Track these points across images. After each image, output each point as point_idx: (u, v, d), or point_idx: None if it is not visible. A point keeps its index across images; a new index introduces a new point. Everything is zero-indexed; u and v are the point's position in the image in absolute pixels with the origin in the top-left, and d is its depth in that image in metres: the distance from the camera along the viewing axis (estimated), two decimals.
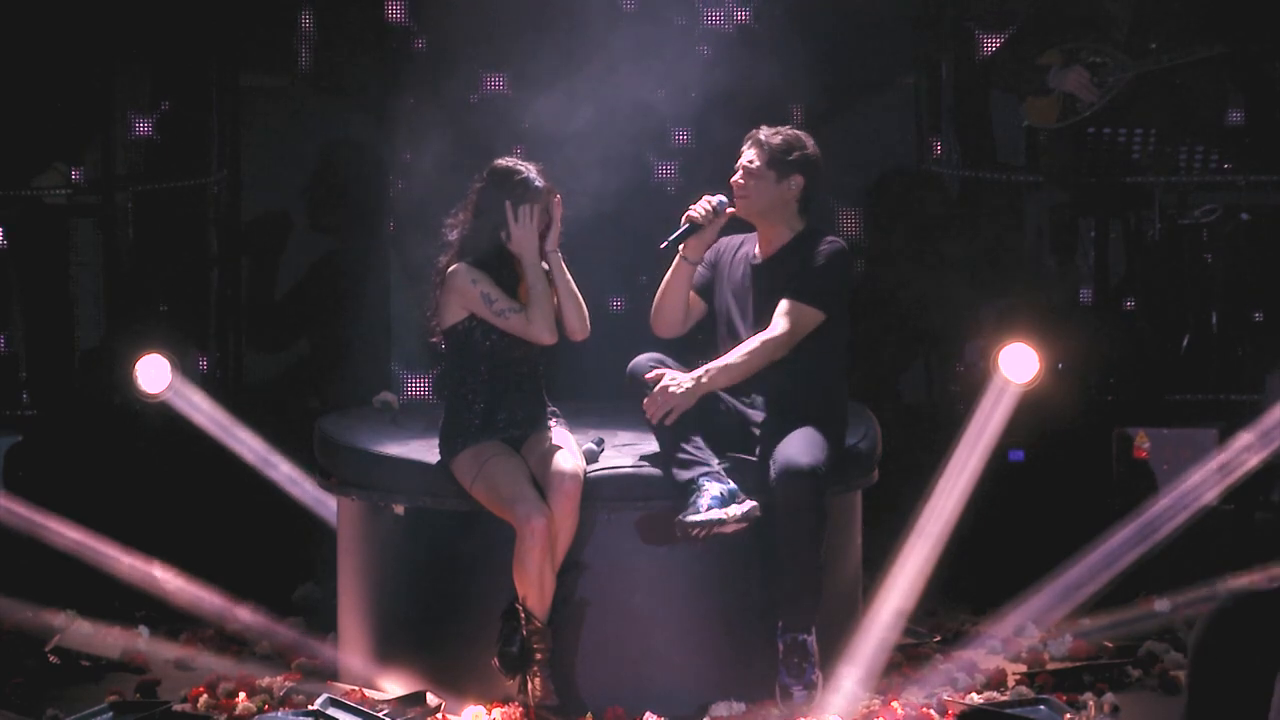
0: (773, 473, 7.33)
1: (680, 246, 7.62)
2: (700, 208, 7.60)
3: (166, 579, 8.65)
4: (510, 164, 7.54)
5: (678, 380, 7.42)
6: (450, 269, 7.49)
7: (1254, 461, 8.72)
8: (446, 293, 7.49)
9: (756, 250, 7.65)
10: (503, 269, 7.51)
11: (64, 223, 9.82)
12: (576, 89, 9.42)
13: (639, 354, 7.61)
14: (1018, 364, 8.55)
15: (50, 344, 9.73)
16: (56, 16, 9.66)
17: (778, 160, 7.53)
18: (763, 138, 7.57)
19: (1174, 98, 9.54)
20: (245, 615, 8.55)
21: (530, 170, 7.50)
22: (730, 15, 9.98)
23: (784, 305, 7.47)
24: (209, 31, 9.86)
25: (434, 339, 7.61)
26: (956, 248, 9.91)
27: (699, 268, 7.68)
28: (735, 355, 7.48)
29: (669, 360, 7.57)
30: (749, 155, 7.57)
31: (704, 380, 7.43)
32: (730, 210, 7.62)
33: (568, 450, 7.40)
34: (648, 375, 7.48)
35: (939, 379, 9.92)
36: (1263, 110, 9.70)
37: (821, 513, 7.34)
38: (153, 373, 8.91)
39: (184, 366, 9.10)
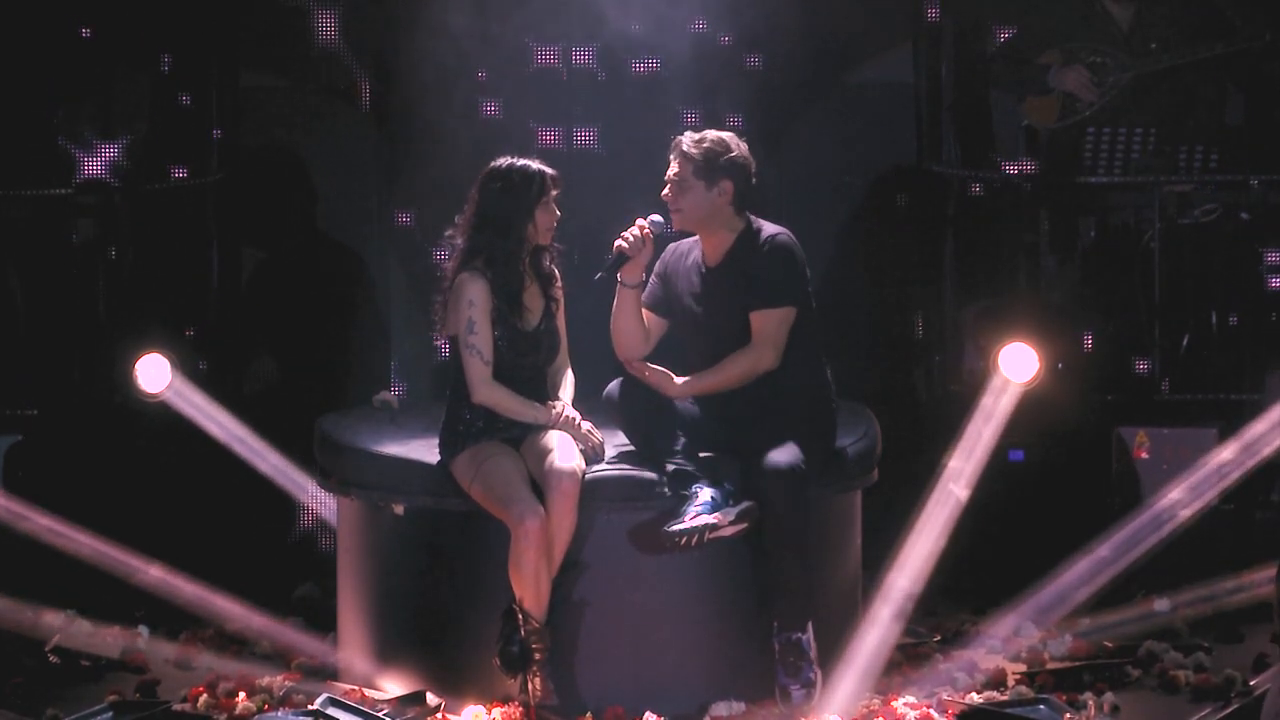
0: (755, 474, 7.33)
1: (618, 275, 7.60)
2: (629, 235, 7.56)
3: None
4: (513, 162, 7.53)
5: (668, 379, 7.46)
6: (461, 276, 7.48)
7: (1236, 476, 8.73)
8: (455, 298, 7.49)
9: (704, 257, 7.63)
10: (511, 274, 7.50)
11: (64, 223, 9.81)
12: (577, 81, 9.50)
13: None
14: (1018, 364, 8.54)
15: (50, 344, 9.73)
16: (57, 16, 9.66)
17: (703, 169, 7.47)
18: (685, 148, 7.50)
19: (1174, 98, 9.54)
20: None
21: (534, 163, 7.51)
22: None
23: (755, 319, 7.47)
24: (209, 31, 9.86)
25: (438, 341, 7.60)
26: (956, 247, 9.90)
27: (650, 284, 7.67)
28: (719, 371, 7.48)
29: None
30: (674, 168, 7.52)
31: (686, 387, 7.46)
32: (667, 228, 7.58)
33: (566, 449, 7.39)
34: (633, 366, 7.51)
35: (939, 379, 9.91)
36: (1263, 110, 9.69)
37: (806, 511, 7.33)
38: (153, 373, 8.91)
39: (184, 366, 9.10)
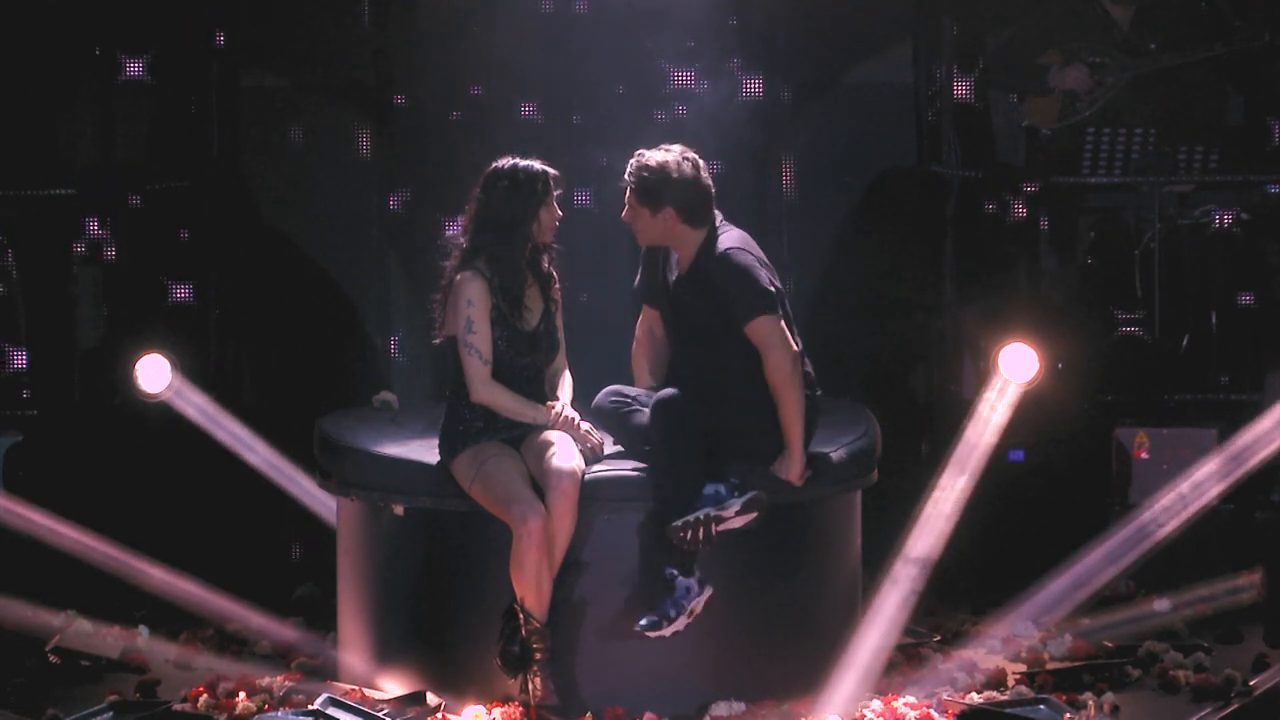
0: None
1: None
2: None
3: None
4: (515, 162, 7.52)
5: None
6: (459, 276, 7.48)
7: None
8: (453, 298, 7.49)
9: (676, 264, 7.63)
10: (514, 273, 7.50)
11: (65, 222, 9.82)
12: (561, 90, 9.51)
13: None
14: (1018, 364, 8.54)
15: (51, 344, 9.74)
16: (57, 16, 9.66)
17: (644, 198, 7.46)
18: (629, 175, 7.50)
19: (1174, 98, 9.55)
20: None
21: (536, 163, 7.52)
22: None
23: (749, 332, 7.39)
24: (208, 31, 9.87)
25: (436, 339, 7.61)
26: (956, 247, 9.91)
27: (640, 284, 7.71)
28: (784, 408, 7.39)
29: (627, 390, 7.62)
30: (627, 192, 7.53)
31: (800, 452, 7.42)
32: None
33: (566, 449, 7.39)
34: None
35: (939, 379, 9.92)
36: (1263, 110, 9.71)
37: (679, 435, 7.30)
38: (153, 373, 8.91)
39: (184, 366, 9.10)
